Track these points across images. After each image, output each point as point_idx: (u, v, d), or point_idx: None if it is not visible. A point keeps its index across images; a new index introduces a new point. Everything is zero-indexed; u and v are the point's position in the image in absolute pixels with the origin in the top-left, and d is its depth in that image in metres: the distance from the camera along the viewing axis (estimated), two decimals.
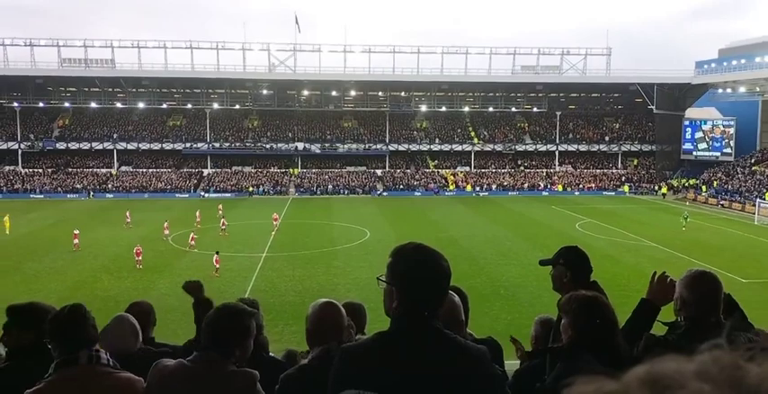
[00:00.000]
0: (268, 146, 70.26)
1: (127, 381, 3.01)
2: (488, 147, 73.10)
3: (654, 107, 68.08)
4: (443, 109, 75.00)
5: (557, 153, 73.77)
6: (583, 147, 73.91)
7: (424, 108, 75.08)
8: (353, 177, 68.91)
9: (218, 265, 28.19)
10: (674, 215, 47.87)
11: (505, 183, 68.52)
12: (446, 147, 73.10)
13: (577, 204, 56.30)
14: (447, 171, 71.39)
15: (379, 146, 72.24)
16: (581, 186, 68.63)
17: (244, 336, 3.01)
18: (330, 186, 66.32)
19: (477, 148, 73.10)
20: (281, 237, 38.40)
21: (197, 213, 43.17)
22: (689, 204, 56.25)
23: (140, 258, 29.67)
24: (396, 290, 2.23)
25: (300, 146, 70.69)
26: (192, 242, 34.16)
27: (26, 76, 64.41)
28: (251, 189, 63.86)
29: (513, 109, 76.81)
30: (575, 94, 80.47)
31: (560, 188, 67.97)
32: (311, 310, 3.29)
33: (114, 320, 3.73)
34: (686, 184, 66.18)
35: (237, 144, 70.50)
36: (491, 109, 76.16)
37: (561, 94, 79.21)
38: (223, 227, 39.14)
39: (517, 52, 71.49)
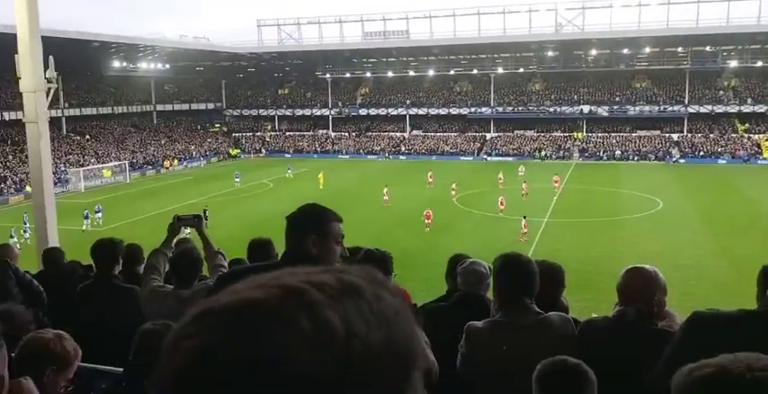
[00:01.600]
0: (552, 109, 68.85)
1: None
2: None
3: None
4: (759, 64, 64.72)
5: None
6: None
7: (733, 63, 65.79)
8: (645, 142, 64.02)
9: (525, 230, 28.29)
10: None
11: None
12: (760, 109, 63.29)
13: None
14: (761, 136, 61.95)
15: (676, 107, 65.69)
16: None
17: (535, 282, 3.13)
18: (618, 151, 62.69)
19: None
20: (564, 202, 37.80)
21: (499, 175, 44.47)
22: None
23: (430, 221, 30.92)
24: None
25: (586, 108, 67.79)
26: (502, 206, 33.92)
27: (336, 50, 72.51)
28: (543, 153, 63.16)
29: None
30: None
31: None
32: (621, 273, 3.29)
33: (472, 265, 4.14)
34: None
35: (520, 108, 70.46)
36: None
37: None
38: (524, 191, 39.11)
39: None
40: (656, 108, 66.13)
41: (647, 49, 67.70)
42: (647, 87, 68.89)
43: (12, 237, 27.41)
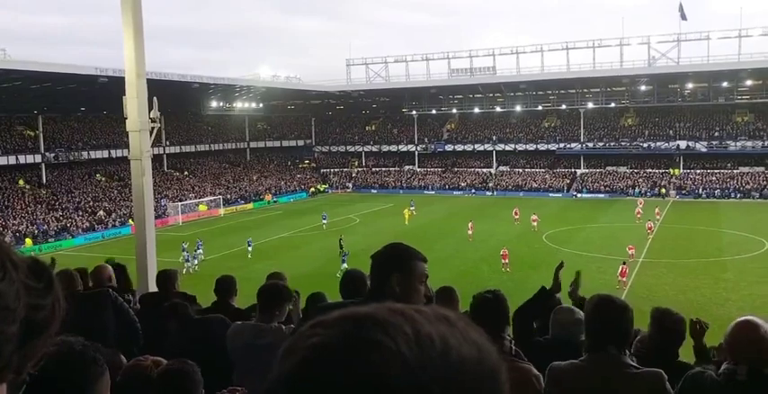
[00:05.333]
0: (645, 145, 66.36)
1: (525, 372, 3.14)
2: None
3: None
4: None
5: None
6: None
7: None
8: (748, 179, 60.30)
9: (622, 278, 25.76)
10: None
11: None
12: None
13: None
14: None
15: None
16: None
17: (628, 330, 2.93)
18: (718, 189, 59.36)
19: None
20: (660, 242, 36.00)
21: (638, 209, 42.95)
22: None
23: (506, 261, 30.04)
24: None
25: (683, 144, 64.85)
26: (631, 251, 30.93)
27: (423, 87, 73.51)
28: (663, 190, 60.10)
29: None
30: None
31: None
32: (729, 326, 3.03)
33: (564, 311, 4.02)
34: None
35: (612, 143, 68.36)
36: None
37: None
38: (649, 230, 37.81)
39: None
40: (760, 143, 62.29)
41: (749, 82, 64.38)
42: (750, 122, 65.23)
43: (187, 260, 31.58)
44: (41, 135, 54.96)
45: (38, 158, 53.73)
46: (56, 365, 1.77)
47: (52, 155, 54.46)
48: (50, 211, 47.43)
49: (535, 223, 40.46)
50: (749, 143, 62.75)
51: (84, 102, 57.37)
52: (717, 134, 64.95)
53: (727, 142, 63.61)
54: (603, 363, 2.91)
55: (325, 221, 45.23)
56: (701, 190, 59.85)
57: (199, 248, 34.06)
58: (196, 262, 32.05)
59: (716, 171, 62.65)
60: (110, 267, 6.42)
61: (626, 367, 2.90)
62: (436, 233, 40.44)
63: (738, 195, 57.81)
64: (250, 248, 34.97)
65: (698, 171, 63.51)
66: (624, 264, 26.86)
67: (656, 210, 43.10)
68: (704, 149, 63.99)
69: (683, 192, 60.18)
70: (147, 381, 2.45)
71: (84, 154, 56.80)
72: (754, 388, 2.75)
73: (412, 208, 49.88)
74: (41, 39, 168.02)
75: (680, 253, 32.68)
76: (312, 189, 70.53)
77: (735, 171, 62.09)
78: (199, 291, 6.90)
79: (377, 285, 2.59)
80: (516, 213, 44.37)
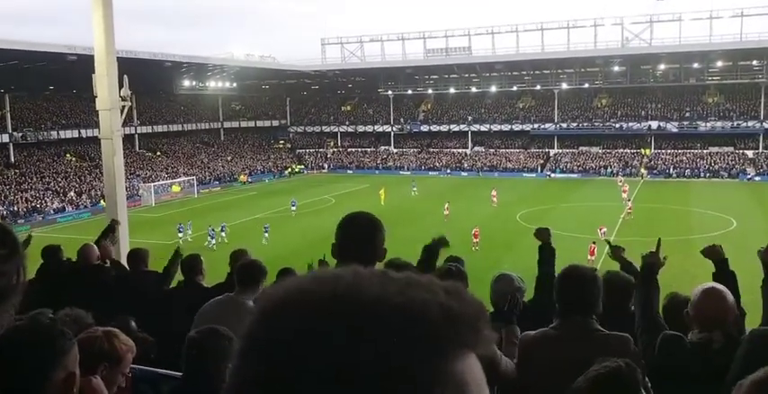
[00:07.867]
0: (618, 125, 67.14)
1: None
2: None
3: None
4: None
5: None
6: None
7: None
8: (717, 159, 61.48)
9: (591, 257, 25.37)
10: None
11: None
12: None
13: None
14: None
15: (750, 123, 62.87)
16: None
17: (597, 298, 3.05)
18: (688, 169, 60.44)
19: None
20: (632, 220, 36.66)
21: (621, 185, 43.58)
22: None
23: (477, 240, 30.23)
24: None
25: (654, 124, 65.76)
26: (602, 230, 30.48)
27: (398, 67, 73.08)
28: (644, 170, 60.92)
29: None
30: None
31: None
32: (695, 294, 3.16)
33: (503, 279, 4.18)
34: None
35: (585, 124, 69.03)
36: None
37: None
38: (629, 210, 38.42)
39: None
40: (729, 124, 63.49)
41: (719, 63, 65.29)
42: (720, 102, 66.31)
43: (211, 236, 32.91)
44: (8, 114, 53.64)
45: (5, 138, 52.49)
46: (22, 338, 1.78)
47: (20, 134, 53.25)
48: (20, 192, 46.52)
49: (495, 199, 42.44)
50: (719, 123, 63.87)
51: (52, 81, 56.07)
52: (687, 115, 65.95)
53: (698, 123, 64.65)
54: (573, 330, 3.02)
55: (294, 208, 43.01)
56: (671, 169, 60.88)
57: (223, 231, 34.30)
58: (213, 241, 32.72)
59: (686, 151, 63.74)
60: (96, 247, 6.48)
61: (594, 332, 3.01)
62: (412, 213, 40.55)
63: (708, 175, 58.94)
64: (266, 234, 33.33)
65: (669, 151, 64.54)
66: (594, 243, 27.05)
67: (624, 187, 44.64)
68: (675, 130, 64.97)
69: (654, 171, 61.17)
70: (100, 352, 2.48)
71: (54, 133, 55.65)
72: (731, 352, 2.87)
73: (414, 189, 50.08)
74: (14, 17, 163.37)
75: (650, 231, 33.16)
76: (288, 170, 70.05)
77: (704, 151, 63.22)
78: (215, 268, 6.95)
79: (372, 247, 2.78)
80: (494, 195, 44.83)
